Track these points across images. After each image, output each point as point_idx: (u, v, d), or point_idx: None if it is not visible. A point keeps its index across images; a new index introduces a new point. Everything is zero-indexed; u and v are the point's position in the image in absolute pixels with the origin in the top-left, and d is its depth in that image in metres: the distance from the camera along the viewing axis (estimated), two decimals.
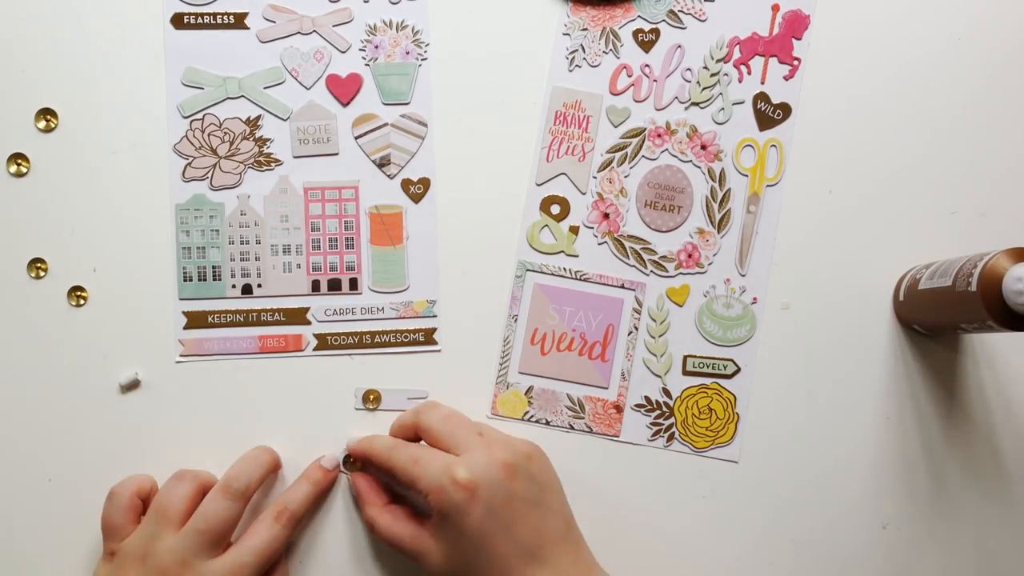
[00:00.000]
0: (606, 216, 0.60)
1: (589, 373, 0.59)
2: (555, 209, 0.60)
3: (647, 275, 0.60)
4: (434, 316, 0.59)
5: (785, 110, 0.60)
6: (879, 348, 0.59)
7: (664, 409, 0.59)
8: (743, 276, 0.60)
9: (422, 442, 0.55)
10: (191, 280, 0.58)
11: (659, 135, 0.60)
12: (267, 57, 0.59)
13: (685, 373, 0.59)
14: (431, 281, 0.59)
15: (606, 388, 0.59)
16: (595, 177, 0.60)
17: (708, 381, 0.59)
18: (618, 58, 0.60)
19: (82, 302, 0.58)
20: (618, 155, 0.60)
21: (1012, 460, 0.59)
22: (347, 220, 0.59)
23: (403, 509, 0.55)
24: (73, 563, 0.57)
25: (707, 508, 0.59)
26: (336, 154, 0.59)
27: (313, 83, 0.59)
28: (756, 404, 0.59)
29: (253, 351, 0.58)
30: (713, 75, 0.60)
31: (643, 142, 0.60)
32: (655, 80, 0.60)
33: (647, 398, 0.59)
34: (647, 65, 0.60)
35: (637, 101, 0.60)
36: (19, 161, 0.58)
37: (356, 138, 0.59)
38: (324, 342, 0.59)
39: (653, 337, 0.59)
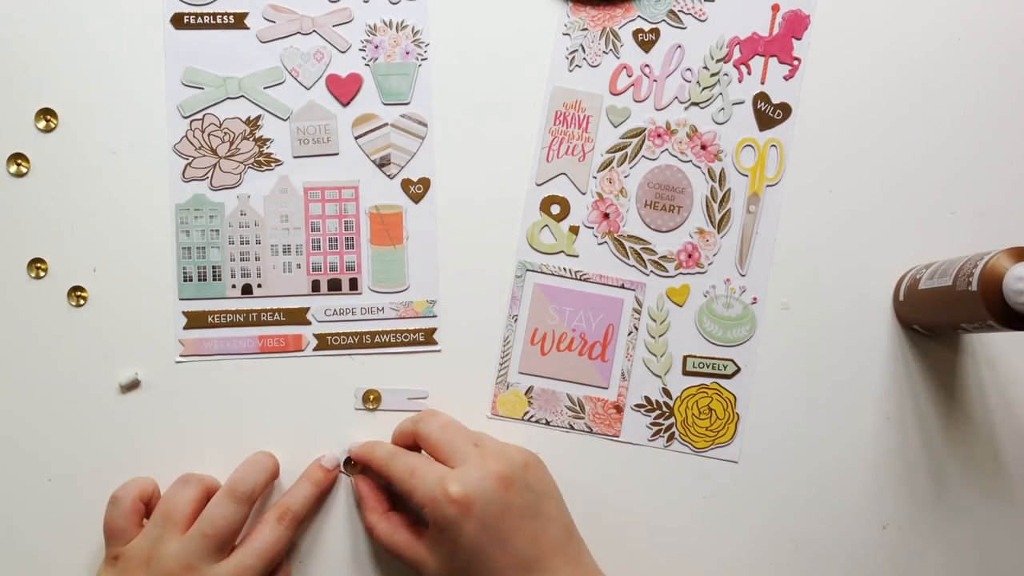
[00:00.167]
0: (606, 216, 0.60)
1: (589, 373, 0.59)
2: (555, 209, 0.60)
3: (647, 275, 0.60)
4: (434, 316, 0.59)
5: (785, 110, 0.60)
6: (879, 348, 0.59)
7: (664, 409, 0.59)
8: (743, 276, 0.60)
9: (423, 451, 0.55)
10: (191, 280, 0.58)
11: (659, 135, 0.60)
12: (267, 57, 0.59)
13: (685, 373, 0.59)
14: (431, 281, 0.59)
15: (606, 388, 0.59)
16: (595, 177, 0.60)
17: (708, 381, 0.59)
18: (618, 58, 0.60)
19: (82, 302, 0.58)
20: (618, 155, 0.60)
21: (1012, 460, 0.59)
22: (347, 220, 0.59)
23: (402, 517, 0.55)
24: (73, 563, 0.57)
25: (707, 508, 0.59)
26: (336, 154, 0.59)
27: (313, 83, 0.59)
28: (756, 404, 0.59)
29: (253, 351, 0.58)
30: (713, 75, 0.60)
31: (643, 142, 0.60)
32: (655, 80, 0.60)
33: (647, 398, 0.59)
34: (647, 65, 0.60)
35: (637, 101, 0.60)
36: (19, 161, 0.58)
37: (356, 138, 0.59)
38: (324, 342, 0.59)
39: (653, 337, 0.59)
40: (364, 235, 0.59)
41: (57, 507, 0.57)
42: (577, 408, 0.59)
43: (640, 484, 0.59)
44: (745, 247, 0.60)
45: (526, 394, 0.59)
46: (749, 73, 0.60)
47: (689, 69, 0.60)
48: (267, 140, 0.59)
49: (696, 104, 0.60)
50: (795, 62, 0.60)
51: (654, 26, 0.60)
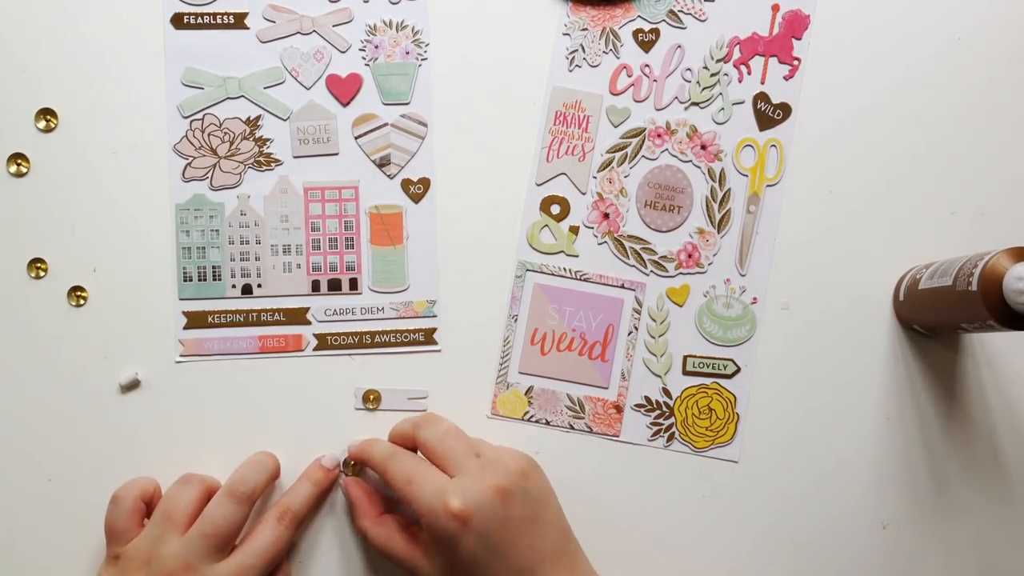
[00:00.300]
0: (606, 216, 0.60)
1: (589, 373, 0.59)
2: (555, 209, 0.60)
3: (647, 275, 0.60)
4: (434, 316, 0.59)
5: (785, 110, 0.60)
6: (879, 348, 0.59)
7: (664, 409, 0.59)
8: (743, 276, 0.60)
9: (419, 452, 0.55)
10: (191, 280, 0.58)
11: (659, 135, 0.60)
12: (267, 57, 0.59)
13: (685, 373, 0.59)
14: (431, 281, 0.59)
15: (606, 388, 0.59)
16: (595, 177, 0.60)
17: (708, 381, 0.59)
18: (618, 58, 0.60)
19: (82, 302, 0.58)
20: (618, 155, 0.60)
21: (1012, 460, 0.59)
22: (347, 220, 0.59)
23: (397, 520, 0.55)
24: (73, 564, 0.57)
25: (707, 508, 0.59)
26: (336, 154, 0.59)
27: (313, 83, 0.59)
28: (756, 404, 0.59)
29: (253, 351, 0.58)
30: (713, 75, 0.60)
31: (643, 142, 0.60)
32: (655, 80, 0.60)
33: (647, 398, 0.59)
34: (647, 65, 0.60)
35: (637, 101, 0.60)
36: (19, 161, 0.58)
37: (356, 138, 0.59)
38: (324, 342, 0.59)
39: (653, 337, 0.59)
40: (364, 235, 0.59)
41: (57, 507, 0.57)
42: (577, 408, 0.59)
43: (640, 484, 0.59)
44: (745, 247, 0.60)
45: (526, 394, 0.59)
46: (749, 73, 0.60)
47: (689, 69, 0.60)
48: (267, 140, 0.59)
49: (696, 104, 0.60)
50: (795, 62, 0.60)
51: (654, 26, 0.60)
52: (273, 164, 0.59)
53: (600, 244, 0.60)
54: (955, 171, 0.60)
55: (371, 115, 0.59)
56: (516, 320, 0.59)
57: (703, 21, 0.60)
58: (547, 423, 0.59)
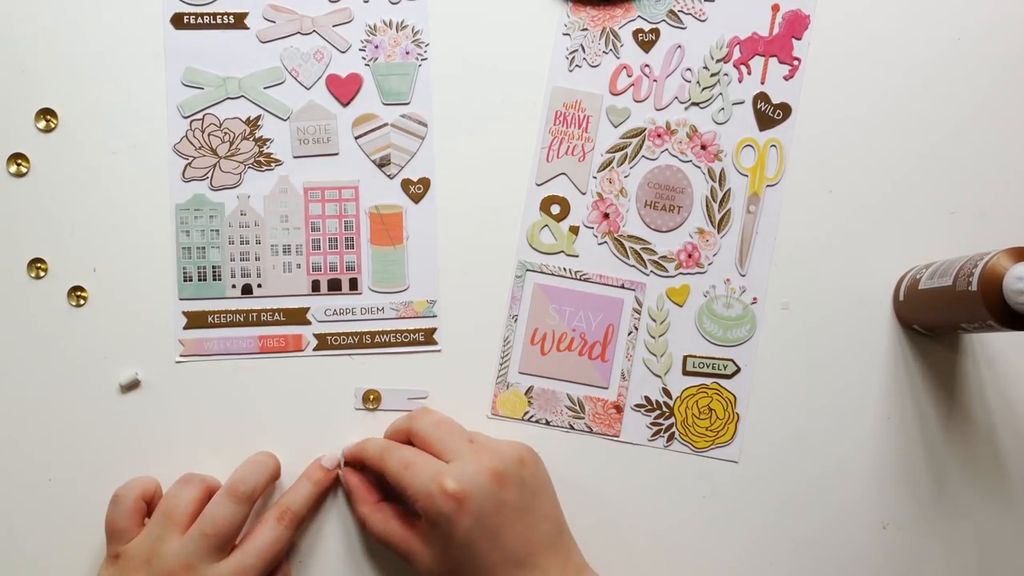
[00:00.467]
0: (606, 216, 0.60)
1: (589, 373, 0.59)
2: (555, 209, 0.60)
3: (647, 275, 0.60)
4: (434, 316, 0.59)
5: (785, 110, 0.60)
6: (879, 348, 0.59)
7: (664, 409, 0.59)
8: (743, 276, 0.60)
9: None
10: (191, 280, 0.58)
11: (659, 135, 0.60)
12: (267, 57, 0.59)
13: (685, 373, 0.59)
14: (431, 281, 0.59)
15: (606, 388, 0.59)
16: (595, 177, 0.60)
17: (708, 381, 0.59)
18: (618, 58, 0.60)
19: (82, 302, 0.58)
20: (618, 155, 0.60)
21: (1012, 460, 0.59)
22: (347, 220, 0.59)
23: (394, 508, 0.55)
24: (73, 563, 0.57)
25: (707, 508, 0.59)
26: (336, 154, 0.59)
27: (313, 83, 0.59)
28: (756, 404, 0.59)
29: (253, 351, 0.58)
30: (713, 75, 0.60)
31: (643, 142, 0.60)
32: (655, 80, 0.60)
33: (647, 398, 0.59)
34: (647, 65, 0.60)
35: (637, 101, 0.60)
36: (19, 161, 0.58)
37: (356, 138, 0.59)
38: (324, 342, 0.59)
39: (653, 337, 0.59)
40: (364, 235, 0.59)
41: (57, 507, 0.57)
42: (577, 408, 0.59)
43: (640, 484, 0.59)
44: (745, 247, 0.60)
45: (526, 394, 0.59)
46: (749, 73, 0.60)
47: (689, 69, 0.60)
48: (267, 140, 0.59)
49: (696, 104, 0.60)
50: (795, 62, 0.60)
51: (654, 26, 0.60)
52: (273, 164, 0.59)
53: (600, 244, 0.60)
54: (955, 171, 0.60)
55: (371, 115, 0.59)
56: (516, 320, 0.59)
57: (703, 21, 0.60)
58: (547, 423, 0.59)
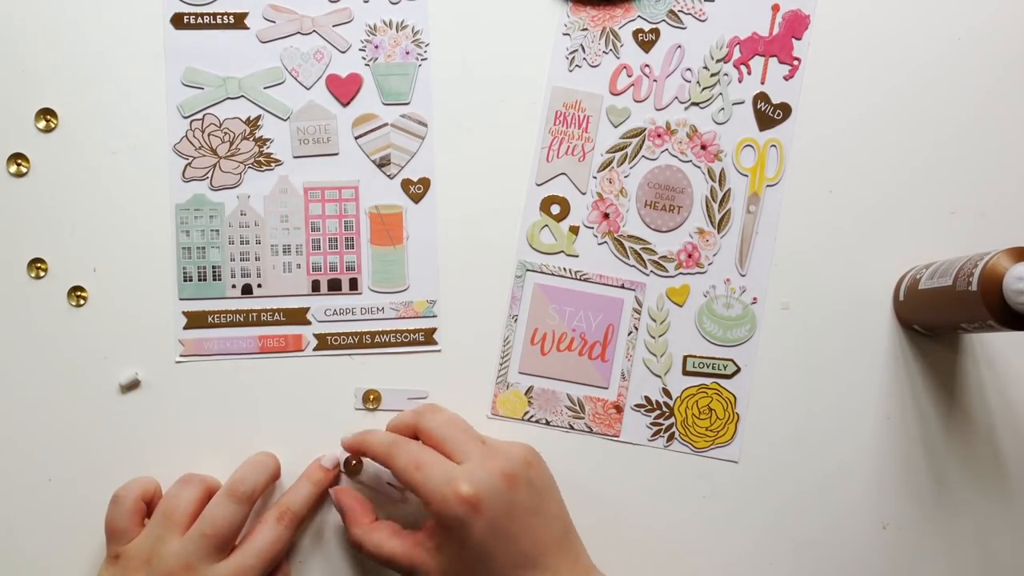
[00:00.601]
0: (606, 216, 0.60)
1: (589, 373, 0.59)
2: (555, 209, 0.60)
3: (647, 275, 0.60)
4: (434, 316, 0.59)
5: (785, 110, 0.60)
6: (879, 348, 0.59)
7: (664, 409, 0.59)
8: (743, 276, 0.60)
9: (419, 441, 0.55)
10: (191, 280, 0.58)
11: (659, 135, 0.60)
12: (267, 57, 0.59)
13: (685, 373, 0.59)
14: (431, 281, 0.59)
15: (606, 388, 0.59)
16: (595, 177, 0.60)
17: (708, 381, 0.59)
18: (618, 58, 0.60)
19: (82, 302, 0.58)
20: (618, 155, 0.60)
21: (1012, 460, 0.59)
22: (347, 220, 0.59)
23: (390, 525, 0.54)
24: (73, 563, 0.57)
25: (707, 508, 0.59)
26: (336, 154, 0.59)
27: (313, 83, 0.59)
28: (756, 404, 0.59)
29: (253, 351, 0.58)
30: (713, 75, 0.60)
31: (643, 142, 0.60)
32: (655, 80, 0.60)
33: (647, 398, 0.59)
34: (647, 65, 0.60)
35: (637, 101, 0.60)
36: (19, 161, 0.58)
37: (356, 138, 0.59)
38: (324, 342, 0.59)
39: (653, 337, 0.59)
40: (364, 235, 0.59)
41: (57, 507, 0.57)
42: (577, 408, 0.59)
43: (640, 484, 0.59)
44: (745, 247, 0.60)
45: (526, 394, 0.59)
46: (749, 73, 0.60)
47: (689, 69, 0.60)
48: (267, 140, 0.59)
49: (696, 104, 0.60)
50: (795, 62, 0.60)
51: (654, 26, 0.60)
52: (273, 164, 0.59)
53: (600, 244, 0.60)
54: (955, 171, 0.60)
55: (371, 115, 0.59)
56: (516, 320, 0.59)
57: (703, 21, 0.60)
58: (547, 423, 0.59)
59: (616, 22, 0.60)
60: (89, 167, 0.58)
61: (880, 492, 0.59)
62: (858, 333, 0.59)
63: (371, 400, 0.58)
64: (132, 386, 0.58)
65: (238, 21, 0.59)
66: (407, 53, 0.59)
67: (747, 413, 0.59)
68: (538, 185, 0.60)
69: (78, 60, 0.58)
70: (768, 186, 0.60)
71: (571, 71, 0.60)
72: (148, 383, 0.58)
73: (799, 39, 0.60)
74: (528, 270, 0.59)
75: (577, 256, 0.60)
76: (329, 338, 0.59)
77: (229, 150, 0.59)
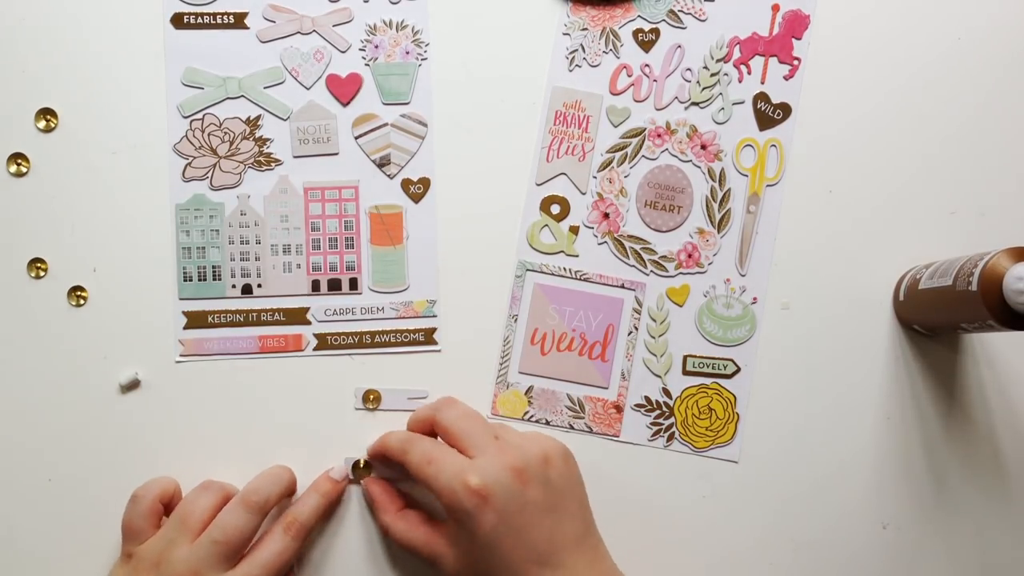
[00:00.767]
0: (606, 216, 0.60)
1: (589, 373, 0.59)
2: (555, 209, 0.60)
3: (647, 275, 0.60)
4: (434, 316, 0.59)
5: (785, 110, 0.60)
6: (879, 348, 0.59)
7: (664, 409, 0.59)
8: (743, 276, 0.60)
9: (438, 438, 0.55)
10: (191, 280, 0.58)
11: (659, 135, 0.60)
12: (267, 57, 0.59)
13: (685, 373, 0.59)
14: (431, 281, 0.59)
15: (606, 388, 0.59)
16: (595, 177, 0.60)
17: (708, 381, 0.59)
18: (618, 58, 0.60)
19: (82, 302, 0.58)
20: (618, 155, 0.60)
21: (1012, 460, 0.59)
22: (347, 220, 0.59)
23: (417, 514, 0.55)
24: (73, 563, 0.57)
25: (707, 508, 0.59)
26: (336, 154, 0.59)
27: (313, 83, 0.59)
28: (756, 404, 0.59)
29: (253, 351, 0.58)
30: (713, 75, 0.60)
31: (643, 142, 0.60)
32: (655, 80, 0.60)
33: (647, 398, 0.59)
34: (647, 65, 0.60)
35: (637, 101, 0.60)
36: (19, 161, 0.58)
37: (356, 138, 0.59)
38: (324, 342, 0.59)
39: (653, 337, 0.59)
40: (364, 235, 0.59)
41: (57, 507, 0.57)
42: (577, 408, 0.59)
43: (640, 484, 0.59)
44: (745, 247, 0.60)
45: (526, 394, 0.59)
46: (749, 73, 0.60)
47: (689, 69, 0.60)
48: (267, 140, 0.59)
49: (696, 104, 0.60)
50: (795, 62, 0.60)
51: (654, 26, 0.60)
52: (273, 164, 0.59)
53: (600, 244, 0.60)
54: (955, 171, 0.60)
55: (371, 115, 0.59)
56: (516, 320, 0.59)
57: (703, 21, 0.60)
58: (547, 423, 0.59)
59: (616, 22, 0.60)
60: (89, 167, 0.58)
61: (880, 492, 0.59)
62: (858, 333, 0.59)
63: (371, 400, 0.58)
64: (132, 386, 0.58)
65: (238, 21, 0.59)
66: (407, 53, 0.59)
67: (747, 413, 0.59)
68: (538, 185, 0.60)
69: (78, 60, 0.58)
70: (768, 186, 0.60)
71: (571, 71, 0.60)
72: (148, 383, 0.58)
73: (799, 39, 0.60)
74: (528, 270, 0.59)
75: (577, 256, 0.60)
76: (329, 338, 0.59)
77: (229, 150, 0.59)
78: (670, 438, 0.59)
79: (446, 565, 0.52)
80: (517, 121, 0.60)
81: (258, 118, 0.59)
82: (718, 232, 0.60)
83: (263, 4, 0.59)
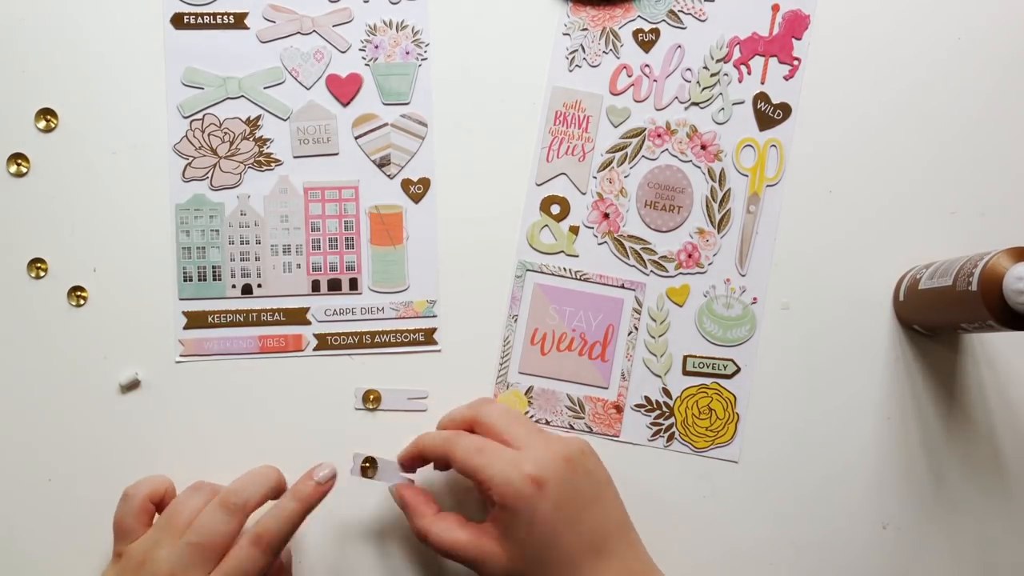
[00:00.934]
0: (606, 216, 0.60)
1: (589, 373, 0.59)
2: (555, 209, 0.60)
3: (647, 275, 0.60)
4: (434, 316, 0.59)
5: (785, 110, 0.60)
6: (879, 348, 0.59)
7: (664, 409, 0.59)
8: (743, 276, 0.60)
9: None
10: (191, 280, 0.58)
11: (659, 135, 0.60)
12: (267, 57, 0.59)
13: (685, 373, 0.59)
14: (431, 281, 0.59)
15: (606, 388, 0.59)
16: (595, 177, 0.60)
17: (708, 381, 0.59)
18: (618, 58, 0.60)
19: (82, 302, 0.58)
20: (618, 155, 0.60)
21: (1012, 460, 0.59)
22: (347, 220, 0.59)
23: (456, 516, 0.53)
24: (72, 563, 0.57)
25: (707, 508, 0.59)
26: (336, 154, 0.59)
27: (313, 83, 0.59)
28: (756, 404, 0.59)
29: (253, 351, 0.58)
30: (713, 75, 0.60)
31: (643, 142, 0.60)
32: (655, 80, 0.60)
33: (647, 398, 0.59)
34: (647, 65, 0.60)
35: (637, 101, 0.60)
36: (19, 161, 0.58)
37: (356, 138, 0.59)
38: (324, 342, 0.59)
39: (653, 337, 0.59)
40: (364, 235, 0.59)
41: (57, 507, 0.57)
42: (577, 408, 0.59)
43: (640, 484, 0.59)
44: (745, 247, 0.60)
45: (526, 394, 0.59)
46: (749, 73, 0.60)
47: (689, 69, 0.60)
48: (267, 140, 0.59)
49: (696, 104, 0.60)
50: (795, 62, 0.60)
51: (654, 26, 0.60)
52: (273, 164, 0.59)
53: (600, 244, 0.60)
54: (955, 171, 0.60)
55: (371, 115, 0.59)
56: (516, 320, 0.59)
57: (703, 21, 0.60)
58: (547, 423, 0.59)
59: (616, 22, 0.60)
60: (89, 167, 0.58)
61: (880, 492, 0.59)
62: (858, 333, 0.59)
63: (371, 400, 0.58)
64: (132, 386, 0.58)
65: (238, 21, 0.59)
66: (407, 53, 0.59)
67: (747, 413, 0.59)
68: (538, 185, 0.60)
69: (78, 60, 0.58)
70: (768, 186, 0.60)
71: (571, 71, 0.60)
72: (148, 383, 0.58)
73: (799, 39, 0.60)
74: (528, 270, 0.59)
75: (577, 256, 0.60)
76: (329, 338, 0.59)
77: (229, 150, 0.59)
78: (670, 438, 0.59)
79: (494, 564, 0.50)
80: (517, 121, 0.60)
81: (258, 118, 0.59)
82: (718, 232, 0.60)
83: (263, 4, 0.59)
